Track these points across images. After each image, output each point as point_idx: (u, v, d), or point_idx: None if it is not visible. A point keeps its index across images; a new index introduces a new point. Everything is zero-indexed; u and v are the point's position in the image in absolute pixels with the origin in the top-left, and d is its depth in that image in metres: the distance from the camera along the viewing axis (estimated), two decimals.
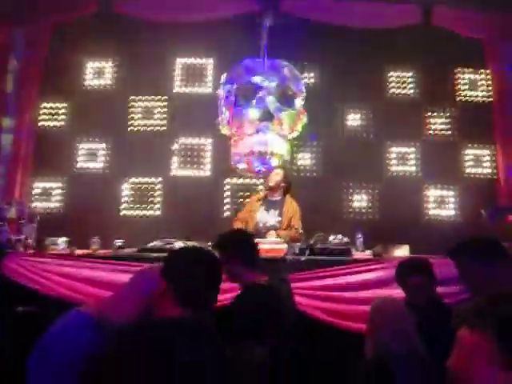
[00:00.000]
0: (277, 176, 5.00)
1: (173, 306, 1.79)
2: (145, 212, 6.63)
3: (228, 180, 6.70)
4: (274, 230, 4.56)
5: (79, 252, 3.78)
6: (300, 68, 6.70)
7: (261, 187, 6.12)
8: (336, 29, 6.48)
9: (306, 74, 6.95)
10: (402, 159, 6.87)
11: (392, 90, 7.10)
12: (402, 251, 4.58)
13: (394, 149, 6.94)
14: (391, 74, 7.14)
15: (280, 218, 4.75)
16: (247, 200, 5.68)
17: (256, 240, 3.77)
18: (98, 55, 7.05)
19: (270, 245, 3.63)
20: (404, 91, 7.11)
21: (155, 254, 3.44)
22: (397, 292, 2.82)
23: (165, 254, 3.31)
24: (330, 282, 3.27)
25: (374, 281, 3.26)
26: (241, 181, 6.66)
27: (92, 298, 3.17)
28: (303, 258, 3.35)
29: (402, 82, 7.11)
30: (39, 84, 6.78)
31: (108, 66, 7.06)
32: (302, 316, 3.12)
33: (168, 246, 3.60)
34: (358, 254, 3.81)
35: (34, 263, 3.44)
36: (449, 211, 6.79)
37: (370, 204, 6.74)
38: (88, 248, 4.10)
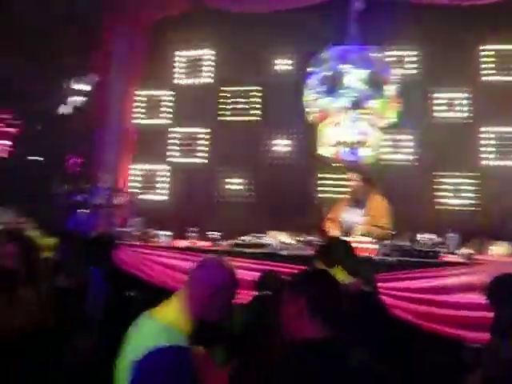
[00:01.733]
0: (356, 183, 4.90)
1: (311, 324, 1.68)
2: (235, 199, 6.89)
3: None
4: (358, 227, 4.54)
5: (180, 244, 4.07)
6: (393, 52, 6.49)
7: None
8: (427, 8, 6.09)
9: (399, 58, 6.65)
10: (501, 146, 6.31)
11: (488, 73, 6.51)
12: (500, 249, 4.31)
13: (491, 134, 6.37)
14: (488, 53, 6.53)
15: (366, 216, 4.70)
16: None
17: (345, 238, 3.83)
18: (192, 48, 7.36)
19: (360, 244, 3.62)
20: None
21: (249, 250, 3.62)
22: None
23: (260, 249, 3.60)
24: (416, 284, 3.22)
25: (461, 285, 3.14)
26: None
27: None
28: (390, 259, 3.31)
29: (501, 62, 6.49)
30: (139, 76, 7.31)
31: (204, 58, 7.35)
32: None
33: (260, 242, 3.78)
34: (448, 256, 3.67)
35: (140, 254, 3.81)
36: None
37: (468, 195, 6.31)
38: (186, 236, 4.41)
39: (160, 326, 1.77)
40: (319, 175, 6.73)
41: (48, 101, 7.88)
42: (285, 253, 3.54)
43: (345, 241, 3.05)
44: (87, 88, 7.84)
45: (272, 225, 5.28)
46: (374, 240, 3.76)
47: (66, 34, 6.63)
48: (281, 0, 6.47)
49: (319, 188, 6.70)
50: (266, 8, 6.52)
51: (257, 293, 2.85)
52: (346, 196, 5.19)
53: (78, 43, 6.77)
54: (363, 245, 3.62)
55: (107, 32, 7.03)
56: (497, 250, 4.47)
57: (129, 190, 6.40)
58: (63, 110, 7.83)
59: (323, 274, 1.89)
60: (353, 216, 4.77)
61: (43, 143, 8.24)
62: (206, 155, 7.13)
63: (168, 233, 4.17)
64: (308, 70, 5.54)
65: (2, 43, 6.66)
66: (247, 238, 3.88)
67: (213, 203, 6.84)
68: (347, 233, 4.41)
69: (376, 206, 4.75)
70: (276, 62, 7.16)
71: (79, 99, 7.97)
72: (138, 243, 4.13)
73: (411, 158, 6.59)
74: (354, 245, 3.63)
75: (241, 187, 6.95)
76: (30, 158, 8.67)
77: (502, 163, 6.30)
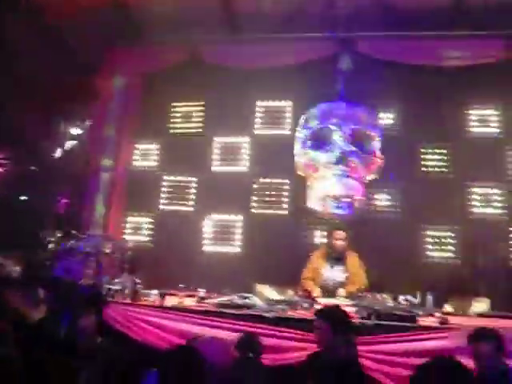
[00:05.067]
0: (341, 241, 5.03)
1: None
2: (224, 248, 6.94)
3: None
4: (341, 285, 4.63)
5: (168, 303, 4.12)
6: (377, 109, 6.75)
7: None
8: (413, 68, 6.41)
9: (382, 115, 6.94)
10: (486, 201, 6.53)
11: (471, 129, 6.85)
12: (481, 306, 4.41)
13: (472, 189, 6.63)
14: (471, 111, 6.89)
15: (347, 274, 4.81)
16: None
17: (325, 300, 3.92)
18: (185, 100, 7.59)
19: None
20: (484, 130, 6.79)
21: (234, 311, 3.69)
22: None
23: (243, 311, 3.66)
24: (394, 347, 3.30)
25: (437, 349, 3.23)
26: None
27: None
28: (370, 323, 3.40)
29: (482, 120, 6.81)
30: (134, 128, 7.49)
31: (194, 110, 7.58)
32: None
33: (246, 303, 3.84)
34: (425, 319, 3.77)
35: (129, 312, 3.87)
36: None
37: (450, 248, 6.46)
38: (173, 288, 4.45)
39: None
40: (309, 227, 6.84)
41: (44, 143, 8.02)
42: (270, 315, 3.60)
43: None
44: (81, 132, 8.02)
45: (260, 278, 5.37)
46: (353, 302, 3.85)
47: (66, 81, 6.81)
48: (278, 57, 6.71)
49: (309, 240, 6.79)
50: (264, 64, 6.78)
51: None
52: (321, 252, 5.23)
53: (76, 90, 6.95)
54: (345, 308, 3.70)
55: (105, 81, 7.24)
56: (478, 306, 4.58)
57: (118, 239, 6.41)
58: (58, 153, 7.96)
59: None
60: (334, 274, 4.88)
61: (34, 184, 8.31)
62: (193, 203, 7.24)
63: (156, 291, 4.22)
64: (299, 124, 5.75)
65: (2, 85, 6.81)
66: (233, 297, 3.93)
67: (200, 254, 6.87)
68: (330, 293, 4.50)
69: (354, 263, 4.90)
70: (264, 115, 7.40)
71: (73, 143, 8.13)
72: (128, 301, 4.17)
73: (396, 211, 6.75)
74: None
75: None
76: (20, 198, 8.73)
77: (483, 216, 6.48)
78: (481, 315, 4.27)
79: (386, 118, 7.04)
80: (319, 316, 3.09)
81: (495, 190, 6.54)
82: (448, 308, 4.24)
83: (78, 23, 6.36)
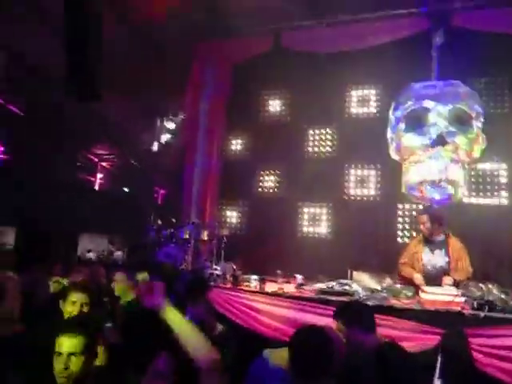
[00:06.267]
0: (424, 225, 4.61)
1: None
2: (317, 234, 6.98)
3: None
4: (443, 271, 4.37)
5: (268, 289, 4.25)
6: (476, 84, 6.31)
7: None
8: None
9: (482, 90, 6.45)
10: None
11: None
12: None
13: None
14: None
15: (448, 259, 4.50)
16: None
17: (431, 288, 3.76)
18: (272, 88, 7.67)
19: (449, 297, 3.53)
20: None
21: (334, 298, 3.71)
22: None
23: (343, 298, 3.67)
24: (508, 341, 3.08)
25: None
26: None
27: (274, 331, 3.64)
28: (482, 315, 3.21)
29: None
30: (224, 117, 7.72)
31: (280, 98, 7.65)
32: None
33: (345, 289, 3.83)
34: None
35: (231, 297, 4.05)
36: None
37: None
38: (270, 274, 4.57)
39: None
40: (404, 213, 6.64)
41: (141, 138, 8.58)
42: (371, 303, 3.55)
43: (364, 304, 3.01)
44: (176, 126, 8.45)
45: (354, 264, 5.31)
46: (461, 291, 3.64)
47: (159, 75, 7.18)
48: (356, 39, 6.54)
49: (404, 226, 6.61)
50: (347, 47, 6.64)
51: None
52: (419, 238, 5.00)
53: (170, 83, 7.31)
54: (452, 297, 3.52)
55: (197, 74, 7.54)
56: None
57: (216, 225, 6.69)
58: (156, 146, 8.48)
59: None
60: (435, 259, 4.59)
61: (136, 177, 8.94)
62: (284, 191, 7.33)
63: (256, 277, 4.35)
64: (392, 106, 5.55)
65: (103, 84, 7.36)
66: (332, 284, 3.93)
67: (294, 240, 6.96)
68: (433, 280, 4.29)
69: (456, 248, 4.55)
70: (357, 98, 7.24)
71: (168, 136, 8.60)
72: (229, 286, 4.36)
73: (501, 195, 6.28)
74: (445, 298, 3.59)
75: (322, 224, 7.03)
76: (124, 190, 9.44)
77: None
78: None
79: (487, 93, 6.53)
80: None
81: None
82: None
83: (167, 22, 6.65)
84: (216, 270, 4.85)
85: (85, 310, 2.78)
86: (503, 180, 6.31)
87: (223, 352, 2.88)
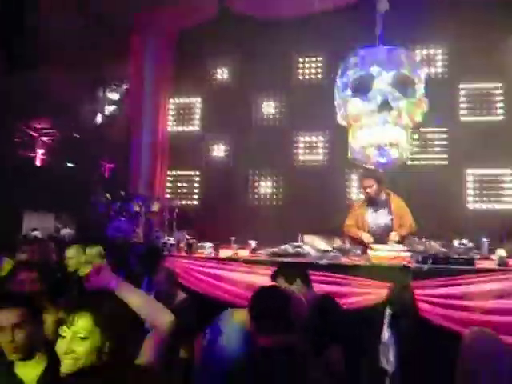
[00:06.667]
0: (369, 189, 4.87)
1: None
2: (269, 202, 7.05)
3: None
4: (387, 229, 4.62)
5: (223, 255, 4.28)
6: (419, 50, 6.48)
7: None
8: (453, 3, 6.07)
9: (425, 56, 6.67)
10: None
11: None
12: None
13: None
14: None
15: (391, 216, 4.76)
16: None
17: (379, 246, 3.94)
18: (219, 56, 7.52)
19: (395, 252, 3.73)
20: None
21: (287, 259, 3.80)
22: None
23: (297, 259, 3.78)
24: (451, 290, 3.31)
25: (496, 291, 3.22)
26: None
27: (231, 295, 3.69)
28: (426, 267, 3.41)
29: None
30: (170, 85, 7.52)
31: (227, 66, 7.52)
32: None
33: (298, 251, 3.92)
34: (482, 262, 3.76)
35: (186, 265, 4.04)
36: None
37: (500, 193, 6.33)
38: (224, 242, 4.61)
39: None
40: (351, 177, 6.83)
41: (83, 110, 8.22)
42: (324, 262, 3.67)
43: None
44: (119, 97, 8.14)
45: (305, 228, 5.44)
46: (407, 247, 3.85)
47: (99, 45, 6.85)
48: (305, 4, 6.51)
49: (351, 190, 6.80)
50: (291, 12, 6.60)
51: None
52: (363, 200, 5.22)
53: (110, 53, 7.00)
54: (398, 253, 3.71)
55: (138, 42, 7.25)
56: None
57: (166, 197, 6.61)
58: (99, 118, 8.15)
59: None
60: (379, 218, 4.84)
61: (79, 151, 8.58)
62: (236, 160, 7.29)
63: (210, 244, 4.37)
64: (337, 72, 5.61)
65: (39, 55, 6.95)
66: (285, 247, 4.02)
67: (246, 208, 7.00)
68: (379, 237, 4.49)
69: (398, 206, 4.83)
70: (303, 66, 7.24)
71: (112, 108, 8.29)
72: (184, 255, 4.34)
73: (441, 157, 6.60)
74: (391, 253, 3.78)
75: (272, 191, 7.09)
76: (67, 165, 9.06)
77: None
78: None
79: (429, 59, 6.74)
80: None
81: None
82: (501, 252, 4.18)
83: None
84: (169, 240, 4.81)
85: (36, 287, 2.69)
86: (444, 142, 6.62)
87: (184, 319, 2.93)
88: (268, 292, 2.11)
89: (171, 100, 7.67)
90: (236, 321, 2.30)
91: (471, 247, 3.78)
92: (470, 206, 6.41)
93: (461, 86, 6.62)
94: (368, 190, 4.89)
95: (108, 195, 6.72)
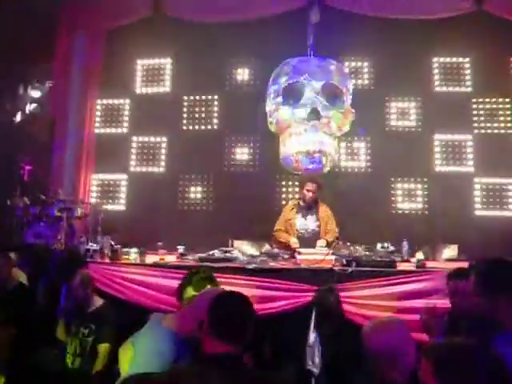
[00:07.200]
0: (312, 193, 5.07)
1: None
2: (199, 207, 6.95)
3: None
4: (315, 234, 4.78)
5: (149, 260, 4.13)
6: (347, 63, 6.74)
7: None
8: (380, 21, 6.38)
9: (352, 69, 6.95)
10: (452, 153, 6.76)
11: (439, 83, 6.96)
12: (450, 252, 4.62)
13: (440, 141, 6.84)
14: (438, 65, 7.00)
15: (318, 223, 4.95)
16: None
17: (306, 250, 4.01)
18: (151, 57, 7.33)
19: (321, 256, 3.82)
20: (453, 83, 6.94)
21: (216, 265, 3.74)
22: (440, 302, 2.96)
23: (226, 264, 3.73)
24: (374, 292, 3.44)
25: (417, 291, 3.39)
26: None
27: (155, 301, 3.57)
28: (350, 270, 3.52)
29: (451, 73, 6.94)
30: (97, 86, 7.20)
31: (163, 68, 7.34)
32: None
33: (227, 256, 3.88)
34: (403, 264, 3.95)
35: (109, 271, 3.85)
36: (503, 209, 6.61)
37: (420, 199, 6.71)
38: (151, 247, 4.46)
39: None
40: (281, 183, 6.90)
41: (2, 107, 7.64)
42: (252, 267, 3.67)
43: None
44: (42, 95, 7.66)
45: (234, 233, 5.42)
46: (332, 251, 3.96)
47: (22, 40, 6.44)
48: (241, 10, 6.55)
49: (282, 195, 6.87)
50: (227, 18, 6.61)
51: None
52: (293, 204, 5.33)
53: (35, 50, 6.60)
54: (324, 256, 3.81)
55: (65, 39, 6.90)
56: (448, 252, 4.81)
57: (90, 201, 6.30)
58: (18, 117, 7.61)
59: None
60: (308, 223, 5.01)
61: None
62: (165, 164, 7.12)
63: (136, 249, 4.20)
64: (270, 80, 5.69)
65: None
66: (214, 252, 3.97)
67: (175, 213, 6.85)
68: (307, 242, 4.60)
69: (326, 213, 5.04)
70: (236, 71, 7.25)
71: (34, 106, 7.77)
72: (107, 261, 4.14)
73: (367, 165, 6.88)
74: (317, 257, 3.86)
75: (201, 196, 7.00)
76: None
77: (450, 169, 6.74)
78: (450, 260, 4.50)
79: (356, 72, 7.03)
80: None
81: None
82: (419, 255, 4.42)
83: None
84: (92, 246, 4.58)
85: None
86: (368, 151, 6.91)
87: (102, 326, 2.77)
88: (231, 298, 2.02)
89: (98, 101, 7.33)
90: (165, 326, 2.23)
91: (393, 250, 3.97)
92: (393, 210, 6.72)
93: (386, 98, 6.94)
94: (310, 194, 5.03)
95: (26, 199, 6.28)
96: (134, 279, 3.81)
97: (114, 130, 7.31)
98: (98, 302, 3.41)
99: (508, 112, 6.81)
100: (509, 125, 6.77)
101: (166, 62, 7.35)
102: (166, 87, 7.32)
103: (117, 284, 3.80)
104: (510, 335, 1.91)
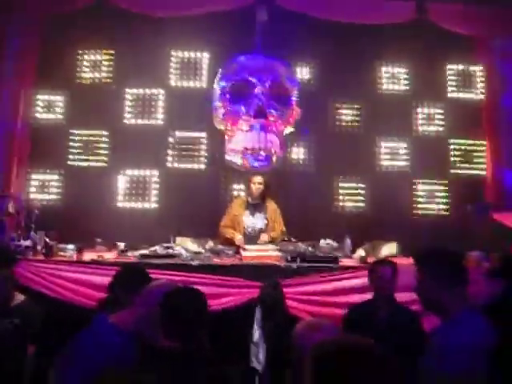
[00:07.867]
0: (260, 186, 5.13)
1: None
2: (141, 204, 6.73)
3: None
4: (262, 232, 4.78)
5: (87, 257, 3.92)
6: (294, 63, 6.80)
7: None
8: (328, 24, 6.51)
9: (298, 69, 7.03)
10: (392, 154, 7.02)
11: (382, 86, 7.20)
12: (390, 249, 4.77)
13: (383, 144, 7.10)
14: (382, 70, 7.24)
15: (266, 221, 4.97)
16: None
17: (251, 246, 3.98)
18: (92, 47, 7.01)
19: (266, 252, 3.81)
20: (395, 87, 7.20)
21: (157, 261, 3.61)
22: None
23: (168, 261, 3.59)
24: (318, 287, 3.48)
25: (360, 286, 3.46)
26: None
27: (92, 300, 3.38)
28: (295, 266, 3.53)
29: (392, 78, 7.20)
30: (33, 75, 6.78)
31: (103, 59, 7.03)
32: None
33: (169, 252, 3.76)
34: (344, 260, 4.03)
35: (42, 269, 3.61)
36: (438, 206, 6.98)
37: (361, 198, 6.89)
38: (90, 244, 4.24)
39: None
40: (226, 180, 6.83)
41: None
42: (195, 263, 3.58)
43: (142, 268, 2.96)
44: None
45: (177, 230, 5.29)
46: (277, 247, 3.97)
47: None
48: (190, 6, 6.42)
49: (227, 192, 6.80)
50: (175, 13, 6.46)
51: None
52: (241, 200, 5.31)
53: None
54: (269, 253, 3.80)
55: None
56: (388, 249, 4.97)
57: (24, 198, 5.91)
58: None
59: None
60: (255, 221, 5.01)
61: None
62: (106, 158, 6.81)
63: (72, 246, 3.97)
64: (217, 77, 5.63)
65: None
66: (155, 248, 3.84)
67: (115, 209, 6.59)
68: (254, 240, 4.58)
69: (274, 211, 5.07)
70: (182, 65, 7.08)
71: None
72: (41, 258, 3.88)
73: (311, 164, 6.98)
74: (264, 253, 3.84)
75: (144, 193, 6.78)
76: None
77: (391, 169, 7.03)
78: (389, 256, 4.63)
79: (302, 72, 7.10)
80: None
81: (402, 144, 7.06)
82: (361, 252, 4.53)
83: None
84: (24, 242, 4.29)
85: None
86: (313, 150, 7.00)
87: (25, 321, 2.61)
88: (187, 293, 1.99)
89: (35, 90, 6.88)
90: (112, 323, 2.14)
91: (336, 246, 4.04)
92: (335, 209, 6.84)
93: (331, 99, 7.07)
94: (258, 186, 5.02)
95: None
96: (67, 277, 3.60)
97: (51, 122, 6.89)
98: (19, 297, 3.21)
99: (442, 117, 7.18)
100: (441, 129, 7.13)
101: (106, 53, 7.03)
102: (105, 77, 7.01)
103: (48, 281, 3.58)
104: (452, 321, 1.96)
